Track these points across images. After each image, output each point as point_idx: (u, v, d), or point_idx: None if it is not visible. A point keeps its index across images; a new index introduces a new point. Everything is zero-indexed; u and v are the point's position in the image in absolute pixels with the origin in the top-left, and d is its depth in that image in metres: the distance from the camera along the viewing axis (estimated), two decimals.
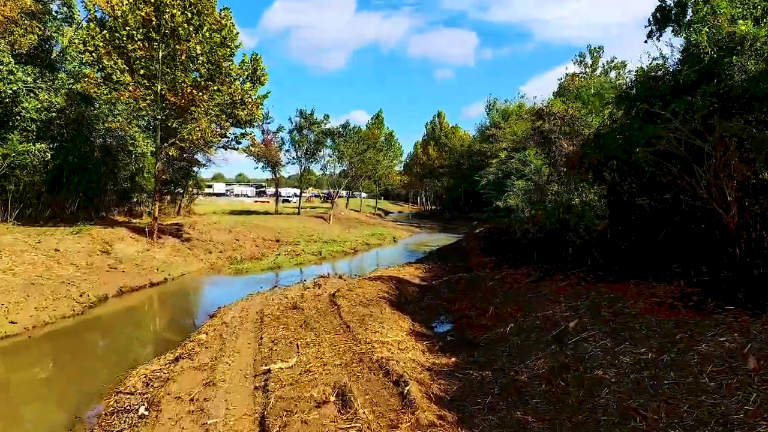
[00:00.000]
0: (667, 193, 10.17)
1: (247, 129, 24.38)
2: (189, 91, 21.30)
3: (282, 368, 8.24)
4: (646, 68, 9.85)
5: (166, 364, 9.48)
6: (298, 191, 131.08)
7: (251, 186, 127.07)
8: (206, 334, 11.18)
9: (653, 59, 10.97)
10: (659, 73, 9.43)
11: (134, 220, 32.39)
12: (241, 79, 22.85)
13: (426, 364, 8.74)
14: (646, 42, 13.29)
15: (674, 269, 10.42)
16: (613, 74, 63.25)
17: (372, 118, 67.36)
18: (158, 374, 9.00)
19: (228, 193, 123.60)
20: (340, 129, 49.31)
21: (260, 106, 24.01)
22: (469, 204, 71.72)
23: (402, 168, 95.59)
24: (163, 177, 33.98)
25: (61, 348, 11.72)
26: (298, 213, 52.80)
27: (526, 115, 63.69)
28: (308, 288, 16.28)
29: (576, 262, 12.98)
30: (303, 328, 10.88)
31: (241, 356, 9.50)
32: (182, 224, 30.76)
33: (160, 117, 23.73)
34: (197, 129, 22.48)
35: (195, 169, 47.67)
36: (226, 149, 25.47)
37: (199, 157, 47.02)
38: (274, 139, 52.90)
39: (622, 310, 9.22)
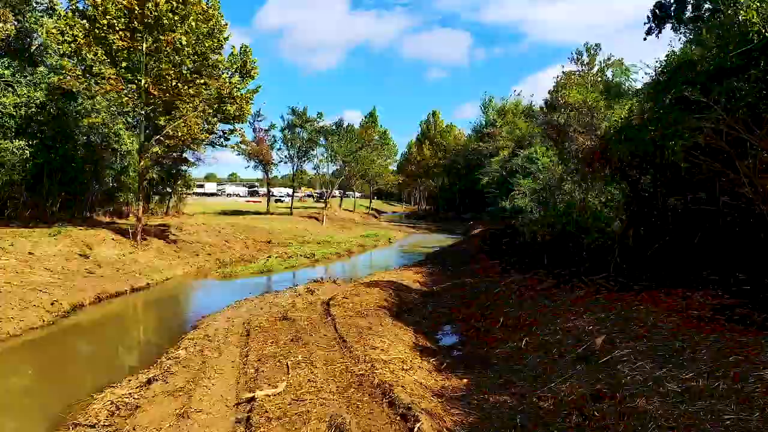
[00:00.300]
0: (700, 191, 9.13)
1: (237, 125, 23.14)
2: (174, 84, 20.05)
3: (269, 395, 7.08)
4: (678, 52, 8.82)
5: (137, 388, 8.28)
6: (291, 191, 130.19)
7: (243, 186, 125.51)
8: (185, 349, 9.98)
9: (672, 50, 9.98)
10: (695, 58, 8.38)
11: (120, 221, 31.04)
12: (229, 72, 21.62)
13: (435, 388, 7.62)
14: (645, 39, 12.39)
15: (707, 276, 9.37)
16: (610, 72, 62.57)
17: (366, 117, 66.29)
18: (127, 400, 7.80)
19: (220, 193, 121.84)
20: (333, 127, 48.07)
21: (250, 101, 22.79)
22: (464, 204, 70.77)
23: (395, 168, 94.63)
24: (150, 176, 32.69)
25: (20, 366, 10.47)
26: (291, 213, 51.55)
27: (527, 111, 63.06)
28: (300, 295, 15.12)
29: (593, 268, 11.93)
30: (294, 343, 9.72)
31: (222, 378, 8.33)
32: (169, 225, 29.45)
33: (144, 112, 22.49)
34: (183, 125, 21.22)
35: (184, 168, 46.48)
36: (214, 146, 24.27)
37: (188, 155, 45.97)
38: (266, 137, 51.67)
39: (656, 324, 8.15)
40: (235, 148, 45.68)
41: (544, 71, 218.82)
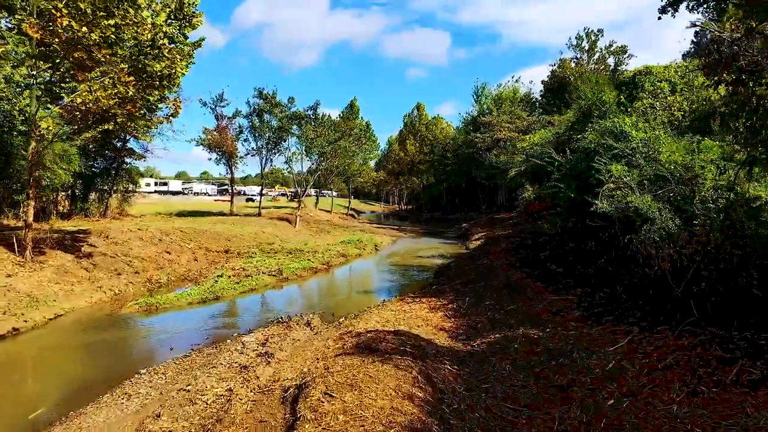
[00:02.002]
0: None
1: (168, 93, 16.32)
2: (66, 24, 13.22)
3: None
4: None
5: None
6: (264, 189, 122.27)
7: (213, 184, 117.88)
8: None
9: None
10: None
11: (37, 225, 23.86)
12: (154, 12, 14.85)
13: None
14: (659, 18, 10.25)
15: None
16: (611, 60, 57.56)
17: (345, 108, 59.55)
18: None
19: (186, 192, 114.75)
20: (308, 113, 41.07)
21: (188, 60, 16.07)
22: (453, 204, 64.91)
23: (375, 165, 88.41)
24: (72, 168, 25.42)
25: None
26: (259, 215, 44.64)
27: (526, 99, 57.40)
28: (246, 368, 8.62)
29: None
30: None
31: None
32: (89, 232, 22.41)
33: (33, 72, 15.63)
34: (87, 89, 14.38)
35: (129, 160, 39.04)
36: (131, 122, 17.43)
37: (133, 145, 38.59)
38: (230, 125, 44.55)
39: None
40: (171, 134, 38.68)
41: (523, 71, 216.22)
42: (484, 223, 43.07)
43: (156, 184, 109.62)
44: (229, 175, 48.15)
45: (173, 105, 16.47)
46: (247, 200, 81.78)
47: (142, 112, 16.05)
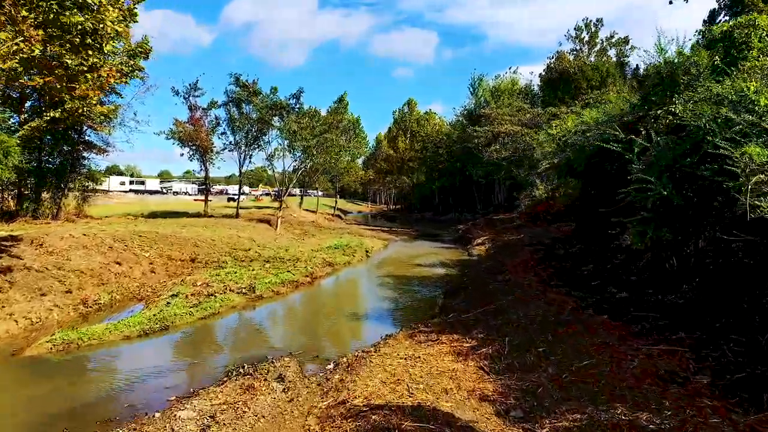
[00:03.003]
0: None
1: (99, 57, 12.37)
2: None
3: None
4: None
5: None
6: (246, 188, 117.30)
7: (194, 183, 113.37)
8: None
9: None
10: None
11: None
12: None
13: None
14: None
15: None
16: (613, 52, 54.45)
17: (335, 102, 55.25)
18: None
19: (165, 191, 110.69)
20: (291, 102, 36.88)
21: (130, 15, 12.20)
22: (446, 204, 61.29)
23: (362, 164, 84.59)
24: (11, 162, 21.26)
25: None
26: (236, 216, 40.63)
27: (525, 91, 53.99)
28: None
29: None
30: None
31: None
32: (21, 238, 18.34)
33: None
34: None
35: (88, 155, 34.64)
36: (82, 108, 13.54)
37: (93, 138, 34.24)
38: (205, 117, 40.39)
39: None
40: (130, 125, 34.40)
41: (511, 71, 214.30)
42: (482, 225, 39.55)
43: (132, 183, 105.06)
44: (209, 173, 43.87)
45: (108, 75, 12.56)
46: (229, 200, 78.31)
47: (64, 85, 11.98)
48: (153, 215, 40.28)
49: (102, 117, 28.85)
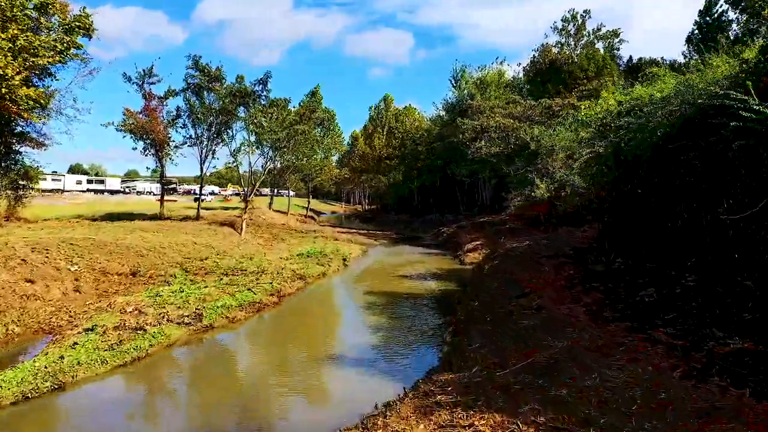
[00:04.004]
0: None
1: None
2: None
3: None
4: None
5: None
6: (217, 189, 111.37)
7: (159, 183, 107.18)
8: None
9: None
10: None
11: None
12: None
13: None
14: None
15: None
16: (600, 45, 52.15)
17: (307, 96, 51.03)
18: None
19: (128, 191, 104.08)
20: (258, 88, 32.62)
21: None
22: (426, 204, 57.89)
23: (337, 162, 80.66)
24: None
25: None
26: (197, 218, 36.29)
27: (513, 83, 51.21)
28: None
29: None
30: None
31: None
32: None
33: None
34: None
35: (22, 149, 29.81)
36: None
37: (26, 128, 29.40)
38: (161, 108, 35.84)
39: None
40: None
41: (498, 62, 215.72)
42: (469, 228, 36.31)
43: (91, 182, 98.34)
44: (165, 170, 39.19)
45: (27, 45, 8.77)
46: (195, 200, 73.47)
47: None
48: (109, 217, 35.68)
49: (31, 102, 24.27)
